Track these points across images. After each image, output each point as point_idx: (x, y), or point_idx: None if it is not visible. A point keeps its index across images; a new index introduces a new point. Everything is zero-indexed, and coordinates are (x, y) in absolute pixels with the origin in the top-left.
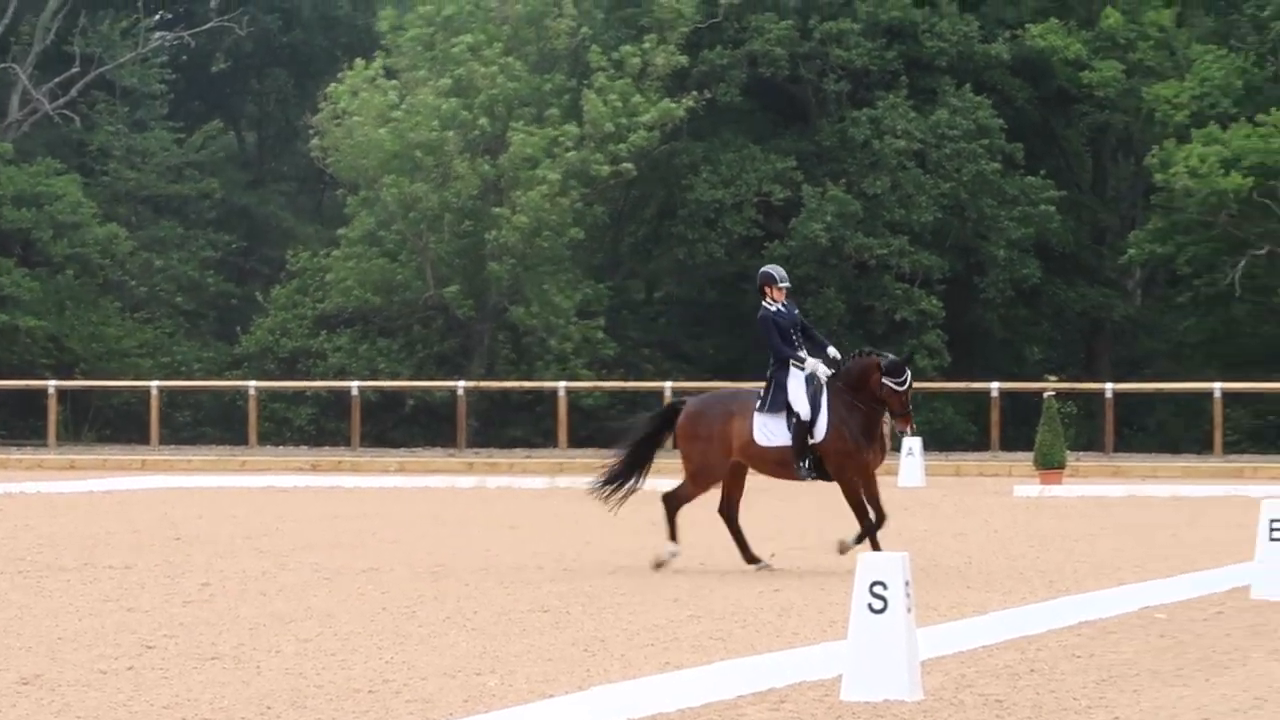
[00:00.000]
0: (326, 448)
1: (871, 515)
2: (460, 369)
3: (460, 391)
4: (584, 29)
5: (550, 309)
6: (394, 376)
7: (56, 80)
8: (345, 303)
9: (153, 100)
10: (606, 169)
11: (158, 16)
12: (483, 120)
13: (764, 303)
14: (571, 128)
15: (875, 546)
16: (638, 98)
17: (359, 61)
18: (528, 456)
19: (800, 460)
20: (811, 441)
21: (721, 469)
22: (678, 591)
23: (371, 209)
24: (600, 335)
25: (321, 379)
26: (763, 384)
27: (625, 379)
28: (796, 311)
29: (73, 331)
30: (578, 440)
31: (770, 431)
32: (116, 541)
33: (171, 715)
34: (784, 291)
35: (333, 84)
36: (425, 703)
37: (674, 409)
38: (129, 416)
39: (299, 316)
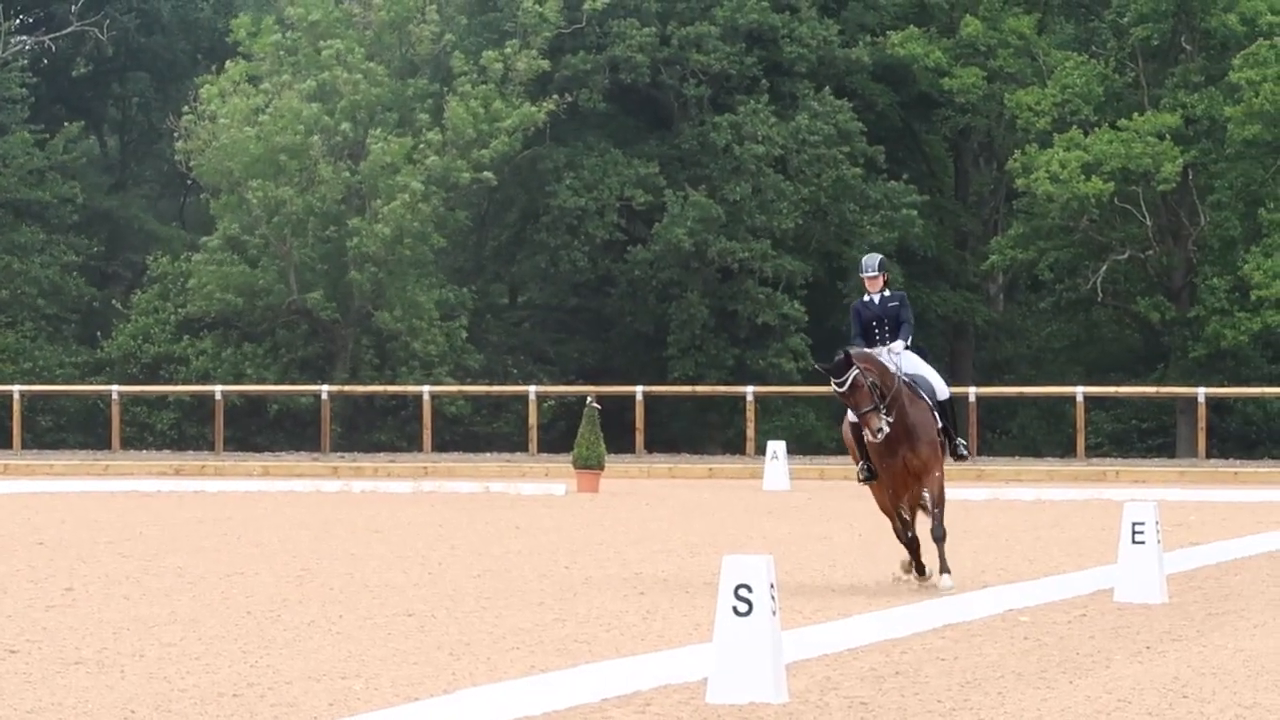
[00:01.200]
0: (190, 452)
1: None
2: (324, 374)
3: (324, 396)
4: (447, 35)
5: (414, 310)
6: (258, 381)
7: None
8: (207, 307)
9: (13, 104)
10: (468, 175)
11: (18, 20)
12: (344, 125)
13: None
14: (434, 135)
15: (916, 563)
16: (500, 103)
17: (229, 64)
18: (392, 461)
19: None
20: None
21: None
22: (543, 595)
23: (235, 213)
24: (464, 341)
25: (185, 384)
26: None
27: (489, 384)
28: (895, 303)
29: None
30: (442, 444)
31: None
32: None
33: None
34: (875, 281)
35: (205, 85)
36: (290, 707)
37: None
38: None
39: (161, 321)
